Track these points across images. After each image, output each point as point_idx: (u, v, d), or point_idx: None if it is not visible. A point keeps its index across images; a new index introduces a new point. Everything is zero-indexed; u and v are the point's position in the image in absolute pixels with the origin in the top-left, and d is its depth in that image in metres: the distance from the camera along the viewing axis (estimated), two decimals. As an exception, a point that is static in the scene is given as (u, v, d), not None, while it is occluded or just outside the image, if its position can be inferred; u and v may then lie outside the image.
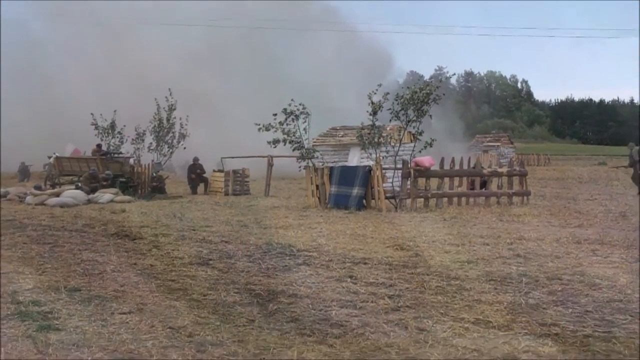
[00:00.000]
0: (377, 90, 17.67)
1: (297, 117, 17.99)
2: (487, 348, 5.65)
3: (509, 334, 6.03)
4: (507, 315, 6.66)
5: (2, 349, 5.60)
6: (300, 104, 18.00)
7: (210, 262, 9.76)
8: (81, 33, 39.64)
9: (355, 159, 23.71)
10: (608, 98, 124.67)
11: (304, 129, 18.21)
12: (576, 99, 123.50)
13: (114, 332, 6.10)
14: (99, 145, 27.10)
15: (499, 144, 49.47)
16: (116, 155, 26.46)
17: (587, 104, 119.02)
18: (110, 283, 8.24)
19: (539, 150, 63.46)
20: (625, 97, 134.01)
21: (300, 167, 18.84)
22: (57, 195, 19.92)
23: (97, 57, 38.13)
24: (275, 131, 18.10)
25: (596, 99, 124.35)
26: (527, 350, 5.59)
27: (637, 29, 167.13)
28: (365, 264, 9.55)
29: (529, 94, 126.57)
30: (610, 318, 6.55)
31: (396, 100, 17.53)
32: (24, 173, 31.94)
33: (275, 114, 18.00)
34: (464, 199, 18.03)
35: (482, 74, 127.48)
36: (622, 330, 6.15)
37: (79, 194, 20.04)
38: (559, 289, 7.81)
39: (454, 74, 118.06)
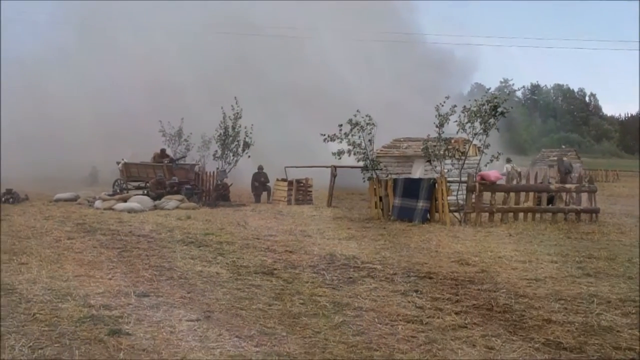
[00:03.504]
0: (445, 102, 17.51)
1: (362, 128, 17.98)
2: (559, 370, 5.51)
3: (582, 357, 5.88)
4: (579, 337, 6.50)
5: (77, 351, 5.73)
6: (366, 115, 17.99)
7: (275, 271, 9.81)
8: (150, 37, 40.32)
9: (419, 171, 23.49)
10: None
11: (369, 140, 18.17)
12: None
13: (182, 339, 6.18)
14: (163, 150, 27.60)
15: (565, 159, 48.35)
16: (181, 162, 26.89)
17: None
18: (177, 290, 8.36)
19: (607, 166, 61.84)
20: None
21: (364, 178, 18.79)
22: (125, 200, 20.37)
23: (162, 63, 38.71)
24: (340, 142, 18.12)
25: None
26: (602, 374, 5.43)
27: None
28: (430, 278, 9.45)
29: (597, 108, 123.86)
30: (689, 344, 6.31)
31: (463, 112, 17.35)
32: (94, 177, 32.69)
33: (340, 125, 18.04)
34: (530, 215, 17.68)
35: (548, 87, 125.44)
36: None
37: (145, 200, 20.45)
38: (633, 311, 7.58)
39: (522, 87, 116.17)
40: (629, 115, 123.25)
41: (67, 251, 11.37)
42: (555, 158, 48.35)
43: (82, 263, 10.16)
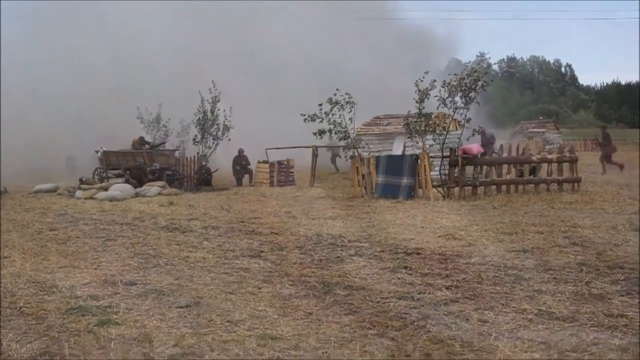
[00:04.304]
0: (424, 77, 17.46)
1: (342, 106, 17.90)
2: (554, 340, 5.50)
3: (575, 326, 5.88)
4: (570, 306, 6.50)
5: (66, 343, 5.63)
6: (346, 93, 17.90)
7: (262, 254, 9.74)
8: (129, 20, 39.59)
9: (400, 147, 23.51)
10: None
11: (350, 118, 18.10)
12: (623, 82, 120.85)
13: (173, 327, 6.10)
14: (141, 137, 27.34)
15: (544, 130, 48.62)
16: (161, 148, 26.67)
17: (634, 87, 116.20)
18: (165, 277, 8.26)
19: (585, 136, 62.17)
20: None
21: (346, 156, 18.74)
22: (106, 189, 20.16)
23: (140, 48, 38.10)
24: (321, 121, 18.04)
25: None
26: (596, 342, 5.43)
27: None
28: (418, 254, 9.43)
29: (574, 79, 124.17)
30: (680, 308, 6.34)
31: (443, 87, 17.30)
32: (71, 166, 31.97)
33: (320, 104, 17.94)
34: (512, 187, 17.73)
35: (524, 59, 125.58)
36: (694, 321, 5.94)
37: (126, 188, 20.25)
38: (622, 278, 7.61)
39: (499, 60, 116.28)
40: (605, 84, 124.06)
41: (50, 242, 11.22)
42: (536, 130, 48.70)
43: (66, 254, 10.03)
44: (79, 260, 9.44)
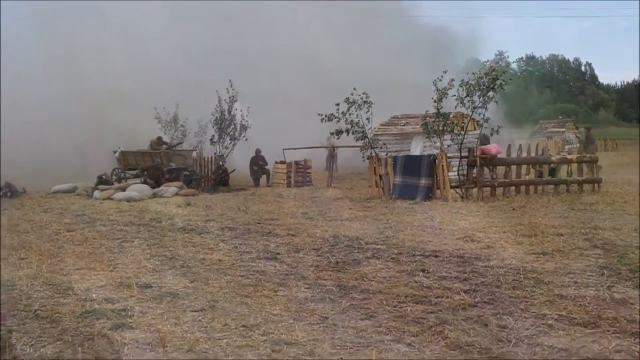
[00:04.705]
0: (442, 76, 17.31)
1: (360, 106, 17.80)
2: (575, 347, 5.38)
3: (597, 332, 5.75)
4: (592, 311, 6.36)
5: (79, 348, 5.59)
6: (363, 93, 17.80)
7: (279, 256, 9.66)
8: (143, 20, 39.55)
9: (419, 147, 23.35)
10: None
11: (367, 118, 17.98)
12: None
13: (187, 331, 6.04)
14: (159, 137, 27.39)
15: (563, 129, 48.13)
16: (178, 148, 26.71)
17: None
18: (180, 279, 8.21)
19: (605, 135, 61.56)
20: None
21: (363, 157, 18.64)
22: (124, 189, 20.22)
23: (155, 48, 38.11)
24: (338, 121, 17.96)
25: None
26: (619, 350, 5.30)
27: None
28: (436, 256, 9.31)
29: (593, 77, 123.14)
30: None
31: (461, 86, 17.13)
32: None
33: (337, 104, 17.85)
34: (532, 188, 17.54)
35: (544, 58, 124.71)
36: None
37: (144, 188, 20.29)
38: (645, 282, 7.45)
39: (519, 59, 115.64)
40: (625, 83, 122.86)
41: (67, 244, 11.22)
42: (555, 130, 48.23)
43: (83, 255, 10.01)
44: (95, 262, 9.41)
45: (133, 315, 6.58)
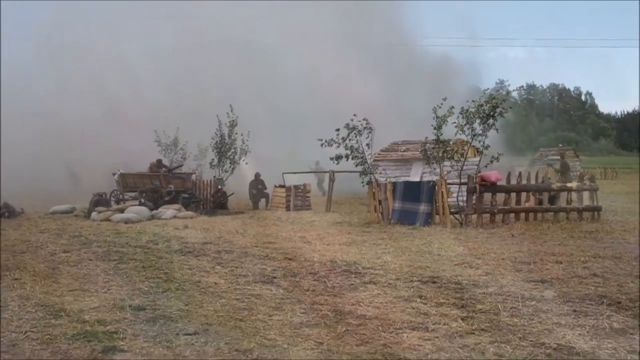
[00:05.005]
0: (442, 104, 17.32)
1: (359, 132, 17.80)
2: (574, 377, 5.28)
3: (596, 362, 5.65)
4: (590, 340, 6.27)
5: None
6: (363, 119, 17.81)
7: (275, 280, 9.57)
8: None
9: (418, 174, 23.33)
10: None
11: (367, 144, 17.98)
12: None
13: (179, 355, 5.95)
14: (159, 160, 27.41)
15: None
16: (178, 171, 26.70)
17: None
18: (174, 302, 8.11)
19: (605, 164, 61.68)
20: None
21: (363, 182, 18.61)
22: (122, 211, 20.13)
23: (163, 72, 38.30)
24: (338, 146, 17.95)
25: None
26: (618, 380, 5.20)
27: None
28: (434, 282, 9.22)
29: (594, 106, 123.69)
30: None
31: (461, 114, 17.15)
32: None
33: (337, 129, 17.86)
34: (531, 215, 17.46)
35: (544, 87, 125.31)
36: None
37: (142, 210, 20.20)
38: (644, 312, 7.36)
39: (519, 87, 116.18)
40: (626, 112, 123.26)
41: (62, 265, 11.12)
42: (555, 158, 48.17)
43: (77, 277, 9.91)
44: (89, 284, 9.31)
45: (125, 338, 6.47)
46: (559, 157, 47.56)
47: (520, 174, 18.50)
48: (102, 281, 9.55)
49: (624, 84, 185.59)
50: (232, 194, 23.77)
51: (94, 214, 19.92)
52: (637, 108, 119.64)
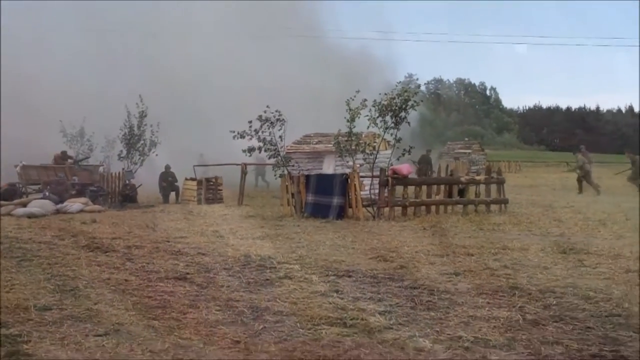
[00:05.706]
0: (355, 96, 17.38)
1: (272, 124, 17.65)
2: (492, 371, 5.32)
3: (512, 354, 5.72)
4: (506, 332, 6.35)
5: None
6: (276, 111, 17.67)
7: (188, 276, 9.32)
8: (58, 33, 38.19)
9: (331, 166, 23.39)
10: (575, 105, 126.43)
11: (280, 136, 17.86)
12: (544, 106, 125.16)
13: (89, 358, 5.66)
14: (64, 152, 26.44)
15: (470, 151, 49.43)
16: (84, 163, 25.82)
17: (554, 111, 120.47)
18: (83, 301, 7.75)
19: (509, 157, 63.74)
20: (591, 105, 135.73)
21: (275, 175, 18.50)
22: (24, 205, 19.26)
23: (68, 60, 36.89)
24: (251, 139, 17.75)
25: (563, 106, 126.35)
26: (535, 372, 5.28)
27: (606, 37, 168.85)
28: (349, 276, 9.20)
29: (498, 101, 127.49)
30: (614, 335, 6.27)
31: (374, 106, 17.26)
32: None
33: (250, 121, 17.66)
34: (442, 207, 17.78)
35: (451, 81, 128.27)
36: (629, 349, 5.87)
37: (46, 204, 19.39)
38: (554, 302, 7.54)
39: (427, 82, 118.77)
40: (527, 108, 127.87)
41: (-41, 263, 10.50)
42: (462, 151, 49.46)
43: (-23, 275, 9.36)
44: (-11, 283, 8.81)
45: (30, 341, 6.12)
46: (466, 151, 48.99)
47: (430, 166, 18.80)
48: (3, 280, 9.03)
49: (527, 79, 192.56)
50: (140, 185, 23.19)
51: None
52: (538, 103, 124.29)
